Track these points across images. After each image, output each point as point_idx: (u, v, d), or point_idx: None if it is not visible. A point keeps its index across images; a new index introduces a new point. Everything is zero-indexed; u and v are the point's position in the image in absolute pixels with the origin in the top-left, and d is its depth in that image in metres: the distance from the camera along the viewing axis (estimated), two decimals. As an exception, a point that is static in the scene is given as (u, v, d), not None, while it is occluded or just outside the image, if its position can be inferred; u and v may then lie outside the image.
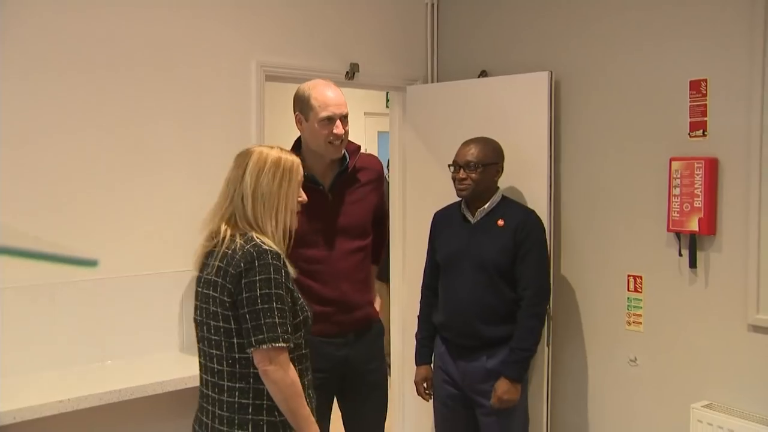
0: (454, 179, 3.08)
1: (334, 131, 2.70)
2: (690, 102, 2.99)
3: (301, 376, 2.13)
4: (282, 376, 2.03)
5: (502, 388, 2.94)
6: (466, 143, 3.10)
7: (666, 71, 3.06)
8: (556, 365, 3.46)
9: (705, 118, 2.96)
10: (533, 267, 3.01)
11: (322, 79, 2.89)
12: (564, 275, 3.38)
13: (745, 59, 2.82)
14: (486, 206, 3.08)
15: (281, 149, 2.24)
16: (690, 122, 2.99)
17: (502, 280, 3.02)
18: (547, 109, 3.39)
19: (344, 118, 2.75)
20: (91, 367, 2.91)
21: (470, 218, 3.10)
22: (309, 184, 2.56)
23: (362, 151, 2.97)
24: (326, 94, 2.74)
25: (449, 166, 3.12)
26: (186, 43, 3.24)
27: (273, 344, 2.00)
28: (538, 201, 3.35)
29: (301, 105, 2.77)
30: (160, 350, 3.14)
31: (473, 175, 3.01)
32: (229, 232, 2.12)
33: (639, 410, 3.18)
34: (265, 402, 2.08)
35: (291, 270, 2.14)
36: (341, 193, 2.84)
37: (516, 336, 3.01)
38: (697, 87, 2.97)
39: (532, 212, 3.17)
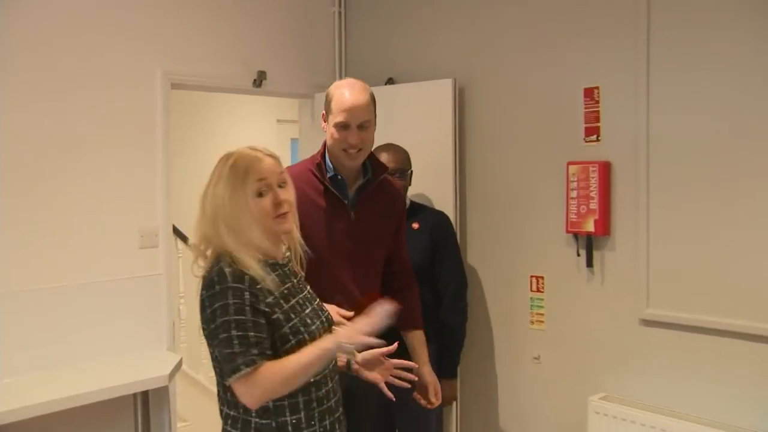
0: None
1: (348, 139, 2.43)
2: (584, 108, 3.11)
3: (307, 408, 1.89)
4: (266, 390, 1.81)
5: (443, 387, 2.93)
6: (383, 150, 3.09)
7: (562, 79, 3.18)
8: (465, 366, 3.52)
9: (598, 124, 3.08)
10: (452, 264, 3.11)
11: (352, 78, 2.59)
12: (469, 277, 3.43)
13: (632, 68, 2.95)
14: None
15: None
16: (585, 128, 3.11)
17: (420, 282, 3.03)
18: (452, 115, 3.48)
19: (362, 126, 2.44)
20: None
21: None
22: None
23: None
24: (345, 96, 2.45)
25: None
26: (92, 53, 3.21)
27: (236, 375, 1.77)
28: (444, 204, 3.43)
29: (325, 104, 2.51)
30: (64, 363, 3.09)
31: (400, 181, 3.04)
32: (210, 251, 1.90)
33: (543, 406, 3.29)
34: None
35: (274, 287, 1.86)
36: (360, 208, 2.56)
37: (445, 335, 3.08)
38: (590, 94, 3.09)
39: (443, 213, 3.27)
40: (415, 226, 3.11)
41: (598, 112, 3.08)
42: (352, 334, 1.87)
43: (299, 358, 1.82)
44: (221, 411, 1.95)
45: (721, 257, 2.75)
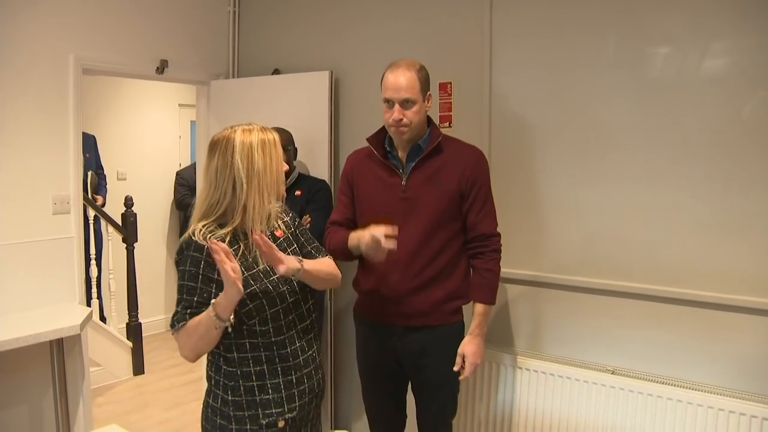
0: None
1: (391, 115, 2.53)
2: (440, 100, 3.41)
3: (269, 361, 2.04)
4: (183, 346, 1.98)
5: None
6: None
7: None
8: (338, 360, 3.85)
9: (450, 113, 3.40)
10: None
11: (408, 58, 2.63)
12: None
13: (478, 67, 3.27)
14: (286, 182, 3.52)
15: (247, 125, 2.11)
16: (440, 116, 3.40)
17: None
18: (328, 101, 3.77)
19: (405, 103, 2.50)
20: None
21: None
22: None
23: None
24: (389, 76, 2.52)
25: None
26: (12, 39, 3.32)
27: (172, 330, 1.98)
28: (322, 174, 3.76)
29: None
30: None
31: None
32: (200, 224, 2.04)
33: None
34: (222, 379, 2.06)
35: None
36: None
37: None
38: (445, 88, 3.40)
39: (324, 181, 3.59)
40: (298, 193, 3.45)
41: (450, 102, 3.38)
42: (227, 301, 1.90)
43: (197, 325, 1.93)
44: (206, 355, 2.13)
45: (546, 226, 3.11)
